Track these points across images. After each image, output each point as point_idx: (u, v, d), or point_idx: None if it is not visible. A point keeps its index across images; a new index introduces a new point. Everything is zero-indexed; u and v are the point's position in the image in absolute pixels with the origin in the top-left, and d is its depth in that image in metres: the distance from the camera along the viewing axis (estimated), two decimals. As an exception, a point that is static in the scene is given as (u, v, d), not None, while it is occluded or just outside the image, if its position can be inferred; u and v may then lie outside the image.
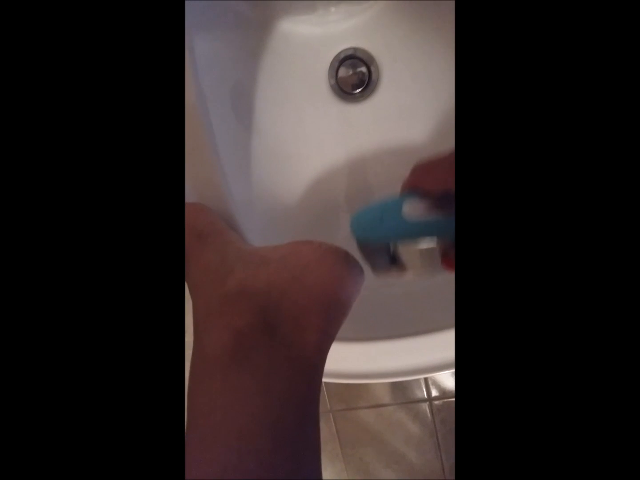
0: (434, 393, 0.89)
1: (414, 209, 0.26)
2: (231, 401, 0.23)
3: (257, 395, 0.23)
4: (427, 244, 0.26)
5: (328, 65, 0.51)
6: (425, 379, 0.89)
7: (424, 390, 0.89)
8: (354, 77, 0.51)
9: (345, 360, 0.42)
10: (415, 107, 0.51)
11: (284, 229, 0.48)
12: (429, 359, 0.41)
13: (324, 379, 0.30)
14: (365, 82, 0.51)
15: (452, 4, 0.28)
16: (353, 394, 0.90)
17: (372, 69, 0.51)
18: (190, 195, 0.38)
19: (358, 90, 0.51)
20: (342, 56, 0.51)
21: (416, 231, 0.26)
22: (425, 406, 0.89)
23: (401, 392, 0.90)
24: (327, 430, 0.90)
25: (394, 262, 0.29)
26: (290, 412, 0.23)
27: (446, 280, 0.34)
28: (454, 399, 0.89)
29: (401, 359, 0.42)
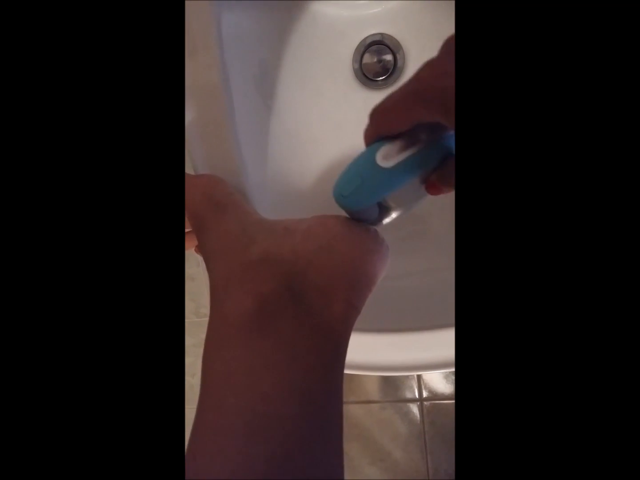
0: (425, 394, 0.88)
1: (388, 156, 0.25)
2: (254, 366, 0.22)
3: (281, 362, 0.22)
4: (412, 182, 0.26)
5: (353, 49, 0.50)
6: (419, 380, 0.88)
7: (416, 390, 0.88)
8: (378, 65, 0.50)
9: (358, 351, 0.42)
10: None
11: (297, 212, 0.47)
12: (428, 356, 0.41)
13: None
14: (390, 70, 0.50)
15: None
16: (344, 388, 0.90)
17: (398, 56, 0.49)
18: (205, 170, 0.37)
19: (381, 78, 0.50)
20: (368, 41, 0.49)
21: (399, 176, 0.25)
22: (415, 406, 0.89)
23: (393, 390, 0.89)
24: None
25: (382, 211, 0.28)
26: (316, 381, 0.23)
27: (452, 279, 0.34)
28: (444, 401, 0.89)
29: (400, 353, 0.41)
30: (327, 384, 0.23)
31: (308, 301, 0.24)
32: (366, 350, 0.42)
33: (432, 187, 0.26)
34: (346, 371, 0.42)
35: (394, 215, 0.28)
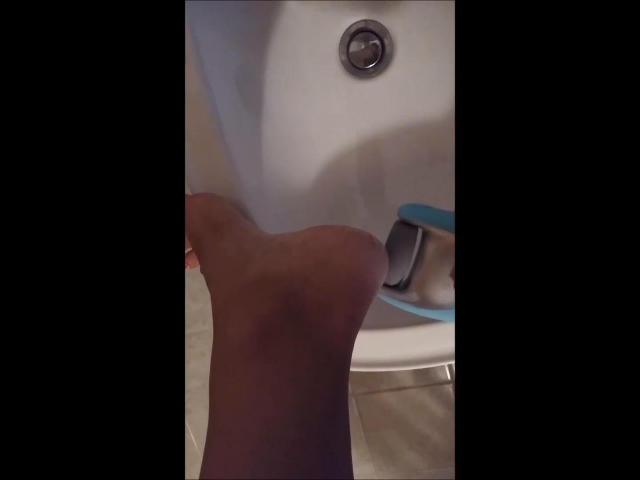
0: (458, 374, 0.88)
1: None
2: (257, 391, 0.23)
3: (284, 385, 0.22)
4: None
5: (338, 40, 0.48)
6: (449, 361, 0.88)
7: (447, 372, 0.87)
8: (367, 51, 0.48)
9: (366, 348, 0.42)
10: (433, 81, 0.48)
11: (298, 214, 0.47)
12: (450, 346, 0.40)
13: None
14: (379, 56, 0.48)
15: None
16: (375, 377, 0.90)
17: (386, 41, 0.48)
18: (200, 186, 0.37)
19: (371, 66, 0.49)
20: (352, 30, 0.48)
21: (453, 224, 0.28)
22: (449, 388, 0.88)
23: (424, 374, 0.89)
24: (349, 413, 0.90)
25: (409, 278, 0.30)
26: (320, 402, 0.23)
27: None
28: (478, 381, 0.88)
29: (423, 346, 0.41)
30: (330, 403, 0.23)
31: (307, 319, 0.24)
32: (389, 347, 0.42)
33: None
34: (376, 370, 0.42)
35: (408, 292, 0.30)
